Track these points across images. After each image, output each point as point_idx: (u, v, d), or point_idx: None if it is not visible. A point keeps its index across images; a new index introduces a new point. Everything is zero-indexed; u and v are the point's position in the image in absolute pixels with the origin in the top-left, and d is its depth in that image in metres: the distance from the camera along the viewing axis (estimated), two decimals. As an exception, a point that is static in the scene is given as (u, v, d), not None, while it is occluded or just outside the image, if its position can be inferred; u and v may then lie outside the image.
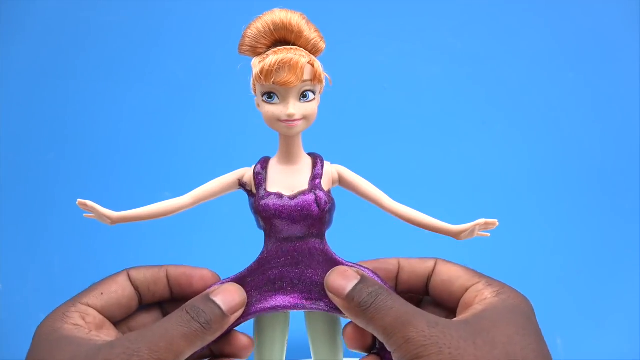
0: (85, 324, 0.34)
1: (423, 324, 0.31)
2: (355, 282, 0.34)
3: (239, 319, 0.36)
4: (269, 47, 0.34)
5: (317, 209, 0.35)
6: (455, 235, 0.36)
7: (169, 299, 0.38)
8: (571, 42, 0.64)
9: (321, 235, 0.37)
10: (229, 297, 0.35)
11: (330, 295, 0.35)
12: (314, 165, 0.37)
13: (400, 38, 0.65)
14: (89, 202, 0.35)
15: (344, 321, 0.41)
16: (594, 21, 0.64)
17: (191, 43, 0.66)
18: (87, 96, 0.66)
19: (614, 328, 0.60)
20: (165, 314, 0.39)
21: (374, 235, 0.59)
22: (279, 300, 0.36)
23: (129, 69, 0.66)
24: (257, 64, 0.33)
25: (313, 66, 0.33)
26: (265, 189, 0.36)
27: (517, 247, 0.62)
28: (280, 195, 0.35)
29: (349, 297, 0.33)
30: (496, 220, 0.35)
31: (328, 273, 0.35)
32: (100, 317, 0.35)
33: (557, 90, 0.64)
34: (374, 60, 0.65)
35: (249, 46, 0.34)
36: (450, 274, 0.36)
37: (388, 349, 0.32)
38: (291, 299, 0.36)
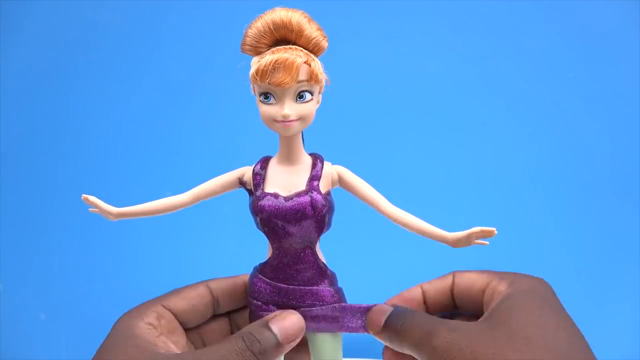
0: (159, 325, 0.35)
1: (444, 330, 0.32)
2: (388, 313, 0.35)
3: None
4: (270, 47, 0.34)
5: (312, 212, 0.35)
6: (450, 243, 0.35)
7: (243, 307, 0.40)
8: (572, 41, 0.64)
9: (314, 242, 0.36)
10: (287, 325, 0.35)
11: (372, 333, 0.36)
12: (314, 166, 0.36)
13: (401, 38, 0.65)
14: (91, 197, 0.37)
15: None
16: (595, 20, 0.64)
17: (192, 42, 0.66)
18: (88, 96, 0.66)
19: (614, 328, 0.60)
20: (233, 324, 0.41)
21: (373, 237, 0.59)
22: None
23: (129, 69, 0.66)
24: (254, 64, 0.33)
25: (310, 66, 0.33)
26: (262, 189, 0.36)
27: (517, 248, 0.62)
28: (276, 196, 0.35)
29: (385, 328, 0.35)
30: (494, 229, 0.34)
31: (368, 314, 0.36)
32: (175, 322, 0.37)
33: (557, 90, 0.64)
34: (374, 59, 0.65)
35: (250, 45, 0.34)
36: (467, 282, 0.37)
37: None
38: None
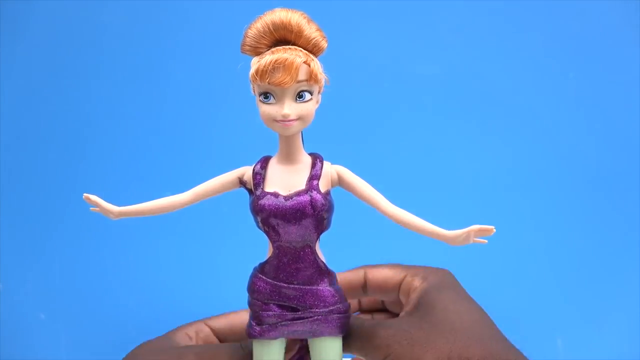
0: (196, 337, 0.40)
1: (381, 331, 0.37)
2: None
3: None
4: (269, 47, 0.34)
5: (312, 211, 0.35)
6: (449, 240, 0.35)
7: None
8: (572, 42, 0.65)
9: (314, 241, 0.37)
10: None
11: None
12: (313, 166, 0.37)
13: (400, 37, 0.65)
14: (93, 197, 0.37)
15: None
16: (595, 20, 0.64)
17: (192, 43, 0.66)
18: (88, 96, 0.66)
19: (614, 328, 0.60)
20: None
21: (373, 237, 0.60)
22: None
23: (130, 69, 0.66)
24: (254, 64, 0.33)
25: (309, 66, 0.33)
26: (262, 189, 0.36)
27: (517, 248, 0.62)
28: (276, 195, 0.35)
29: None
30: (492, 227, 0.34)
31: None
32: (213, 337, 0.41)
33: (557, 90, 0.65)
34: (374, 59, 0.65)
35: (250, 46, 0.34)
36: (381, 277, 0.42)
37: None
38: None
